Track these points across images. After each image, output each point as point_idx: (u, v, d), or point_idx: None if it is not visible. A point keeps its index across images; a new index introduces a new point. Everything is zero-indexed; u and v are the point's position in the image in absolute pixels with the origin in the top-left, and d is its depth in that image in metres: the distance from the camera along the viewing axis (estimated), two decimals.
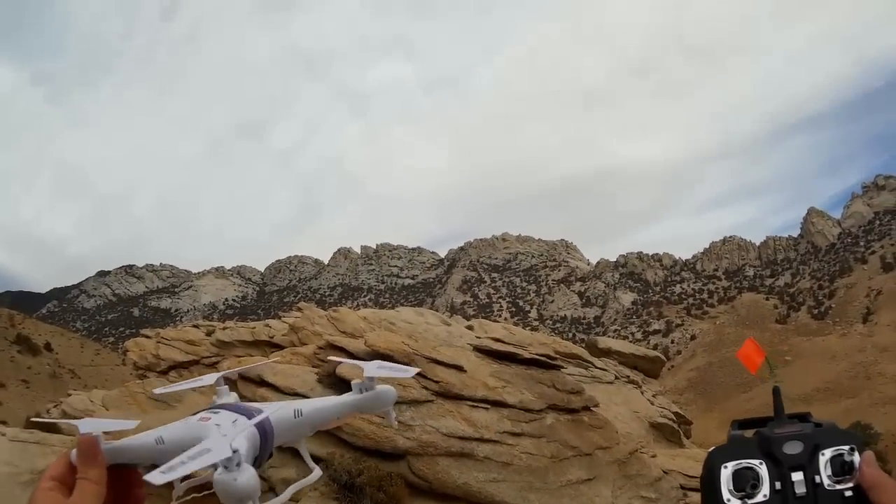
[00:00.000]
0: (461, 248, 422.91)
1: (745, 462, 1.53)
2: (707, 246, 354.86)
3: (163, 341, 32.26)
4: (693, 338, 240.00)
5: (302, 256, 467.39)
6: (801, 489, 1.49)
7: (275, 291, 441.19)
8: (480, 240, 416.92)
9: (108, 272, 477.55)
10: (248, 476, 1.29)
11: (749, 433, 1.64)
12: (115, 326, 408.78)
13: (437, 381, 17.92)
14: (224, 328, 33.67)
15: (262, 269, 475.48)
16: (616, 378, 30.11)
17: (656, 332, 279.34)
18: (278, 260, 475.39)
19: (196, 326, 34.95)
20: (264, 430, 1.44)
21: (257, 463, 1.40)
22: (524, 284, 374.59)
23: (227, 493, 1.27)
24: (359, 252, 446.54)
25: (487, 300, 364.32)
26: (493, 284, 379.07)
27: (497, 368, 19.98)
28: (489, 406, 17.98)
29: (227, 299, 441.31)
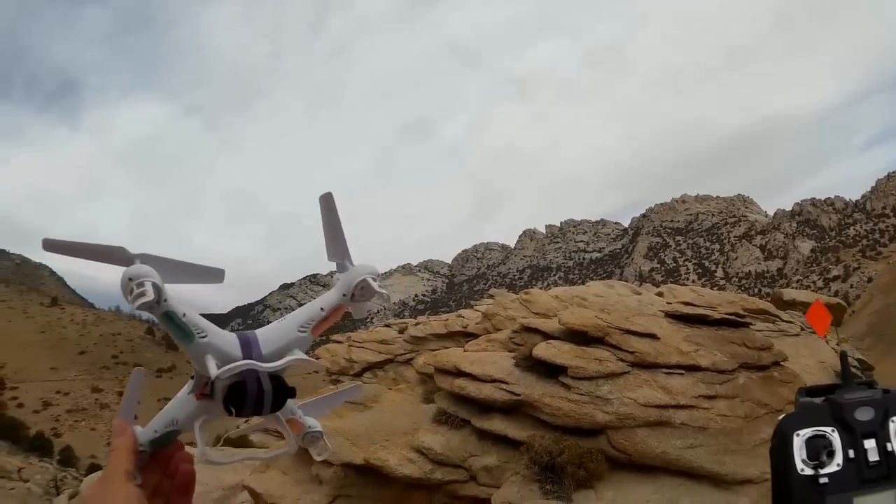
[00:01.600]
0: (643, 216, 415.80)
1: (817, 429, 1.40)
2: (874, 184, 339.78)
3: (354, 344, 32.71)
4: (870, 280, 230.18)
5: (488, 243, 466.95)
6: (874, 457, 1.37)
7: (464, 281, 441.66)
8: (661, 204, 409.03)
9: (292, 284, 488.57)
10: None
11: (818, 401, 1.51)
12: None
13: (631, 352, 17.37)
14: (416, 324, 33.45)
15: (449, 260, 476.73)
16: (802, 329, 28.90)
17: (835, 278, 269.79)
18: (464, 250, 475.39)
19: (388, 326, 34.90)
20: (246, 337, 1.41)
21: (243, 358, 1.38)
22: (707, 244, 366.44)
23: (120, 282, 1.30)
24: (544, 232, 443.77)
25: (674, 264, 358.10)
26: (677, 248, 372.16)
27: (689, 332, 19.23)
28: (683, 371, 17.32)
29: (416, 295, 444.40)
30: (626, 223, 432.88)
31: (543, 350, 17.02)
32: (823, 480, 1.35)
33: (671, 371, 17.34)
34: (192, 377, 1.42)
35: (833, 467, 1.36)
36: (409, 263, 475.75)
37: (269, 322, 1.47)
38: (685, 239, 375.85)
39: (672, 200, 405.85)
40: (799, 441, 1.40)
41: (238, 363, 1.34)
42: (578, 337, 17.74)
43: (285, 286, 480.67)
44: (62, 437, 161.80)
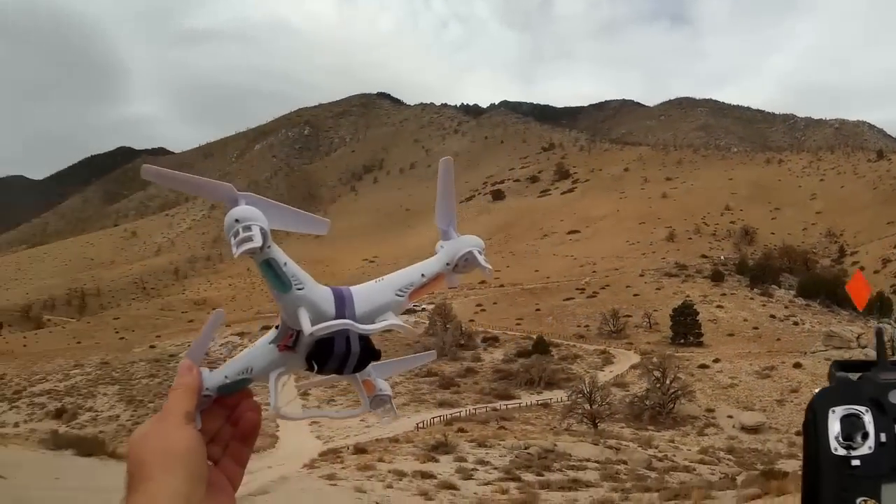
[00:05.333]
0: None
1: (851, 408, 1.22)
2: None
3: None
4: None
5: None
6: None
7: None
8: None
9: None
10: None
11: (853, 377, 1.31)
12: None
13: None
14: None
15: None
16: None
17: None
18: None
19: None
20: (340, 292, 1.28)
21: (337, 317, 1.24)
22: None
23: (225, 221, 1.18)
24: None
25: None
26: None
27: None
28: None
29: None
30: None
31: None
32: (855, 463, 1.20)
33: None
34: (276, 327, 1.30)
35: (865, 450, 1.20)
36: None
37: None
38: None
39: None
40: (833, 418, 1.23)
41: (334, 322, 1.22)
42: None
43: None
44: None
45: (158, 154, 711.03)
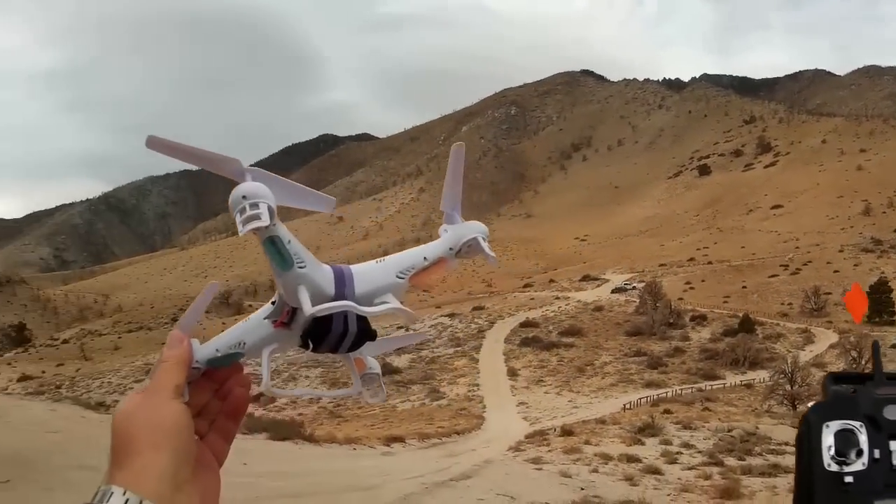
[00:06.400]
0: None
1: (846, 423, 1.15)
2: None
3: None
4: None
5: None
6: None
7: None
8: None
9: None
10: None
11: (848, 390, 1.21)
12: None
13: None
14: None
15: None
16: None
17: None
18: None
19: None
20: (340, 270, 1.22)
21: (335, 298, 1.18)
22: None
23: (232, 197, 1.12)
24: None
25: None
26: None
27: None
28: None
29: None
30: None
31: None
32: (848, 479, 1.13)
33: None
34: (273, 302, 1.24)
35: (858, 466, 1.12)
36: None
37: None
38: None
39: None
40: (827, 433, 1.15)
41: (336, 304, 1.16)
42: None
43: None
44: None
45: (362, 139, 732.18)
